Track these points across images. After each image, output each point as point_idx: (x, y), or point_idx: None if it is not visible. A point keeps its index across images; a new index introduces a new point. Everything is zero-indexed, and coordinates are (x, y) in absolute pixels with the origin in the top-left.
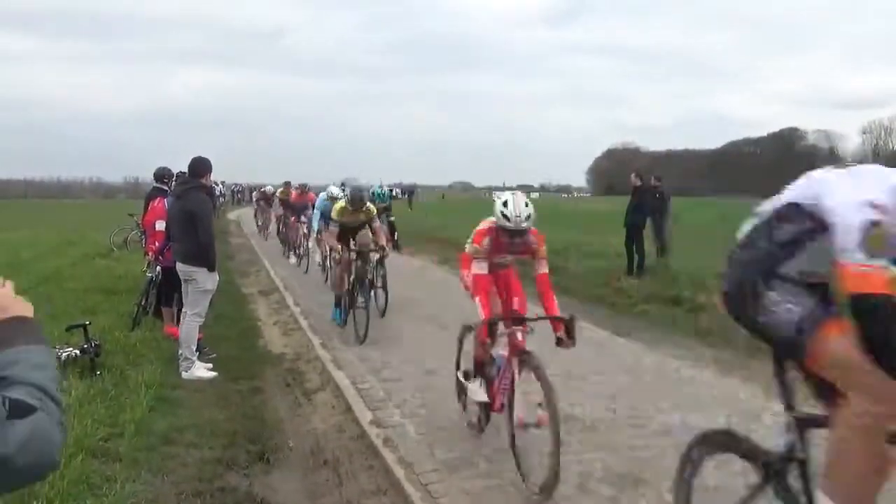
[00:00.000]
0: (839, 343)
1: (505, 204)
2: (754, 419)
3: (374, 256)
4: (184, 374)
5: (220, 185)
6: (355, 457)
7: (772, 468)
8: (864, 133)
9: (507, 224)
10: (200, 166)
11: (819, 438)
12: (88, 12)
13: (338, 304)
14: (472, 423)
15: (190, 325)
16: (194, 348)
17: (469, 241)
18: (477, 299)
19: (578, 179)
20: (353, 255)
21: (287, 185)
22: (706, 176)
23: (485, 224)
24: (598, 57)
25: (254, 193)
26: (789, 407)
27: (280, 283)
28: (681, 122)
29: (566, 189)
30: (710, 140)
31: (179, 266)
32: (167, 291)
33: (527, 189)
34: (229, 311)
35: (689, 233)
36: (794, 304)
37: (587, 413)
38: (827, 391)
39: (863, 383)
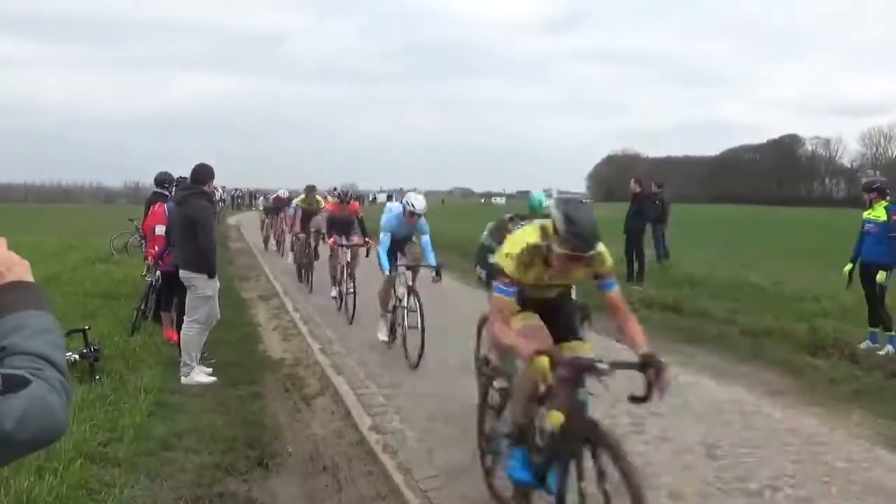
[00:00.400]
0: None
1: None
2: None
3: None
4: (183, 379)
5: (221, 191)
6: (354, 462)
7: None
8: (864, 140)
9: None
10: (203, 173)
11: None
12: (90, 17)
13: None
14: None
15: (188, 332)
16: (194, 354)
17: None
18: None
19: (578, 185)
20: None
21: (311, 190)
22: (706, 182)
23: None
24: (598, 63)
25: (260, 199)
26: None
27: (280, 288)
28: (680, 128)
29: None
30: (710, 146)
31: (180, 272)
32: (166, 296)
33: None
34: (229, 316)
35: (688, 239)
36: None
37: None
38: None
39: None
